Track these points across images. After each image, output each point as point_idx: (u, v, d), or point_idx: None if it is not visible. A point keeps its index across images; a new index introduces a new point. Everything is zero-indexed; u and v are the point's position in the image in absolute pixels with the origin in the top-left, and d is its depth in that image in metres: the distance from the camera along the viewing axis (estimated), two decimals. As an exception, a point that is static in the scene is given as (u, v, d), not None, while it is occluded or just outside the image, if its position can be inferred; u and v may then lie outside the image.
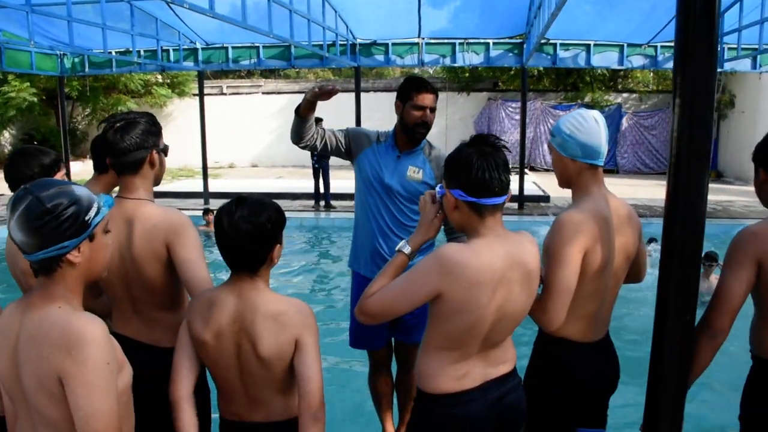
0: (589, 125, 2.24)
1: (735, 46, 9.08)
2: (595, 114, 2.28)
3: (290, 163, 20.08)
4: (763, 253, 2.11)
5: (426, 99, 3.15)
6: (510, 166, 2.01)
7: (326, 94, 3.12)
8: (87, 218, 1.59)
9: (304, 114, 3.19)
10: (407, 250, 2.13)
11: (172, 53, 11.18)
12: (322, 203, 11.54)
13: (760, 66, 10.43)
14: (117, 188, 2.54)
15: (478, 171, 1.94)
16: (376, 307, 2.02)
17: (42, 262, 1.58)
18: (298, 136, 3.26)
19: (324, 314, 6.26)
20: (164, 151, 2.41)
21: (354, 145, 3.33)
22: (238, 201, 2.01)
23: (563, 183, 2.42)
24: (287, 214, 2.15)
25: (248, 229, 1.95)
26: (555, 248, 2.16)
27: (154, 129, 2.34)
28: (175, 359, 2.09)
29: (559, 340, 2.34)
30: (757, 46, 8.47)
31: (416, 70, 23.15)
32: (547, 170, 18.25)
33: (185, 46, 11.09)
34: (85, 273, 1.65)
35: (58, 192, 1.57)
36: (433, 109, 3.19)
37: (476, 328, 1.98)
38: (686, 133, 1.35)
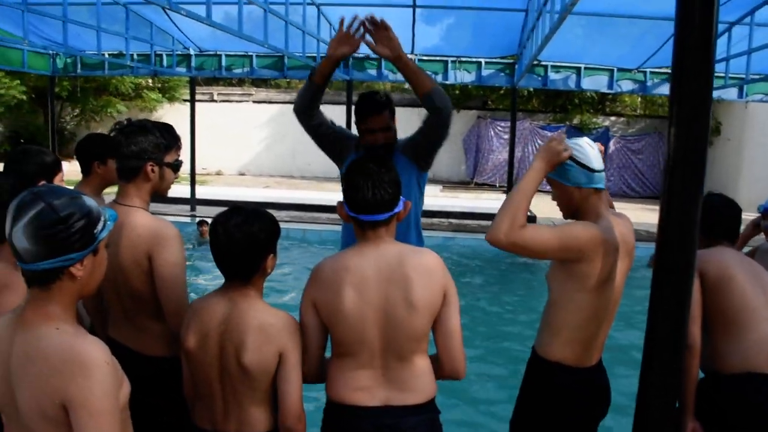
0: (585, 151, 2.27)
1: (723, 74, 9.22)
2: (586, 139, 2.32)
3: (278, 173, 20.04)
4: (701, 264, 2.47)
5: (373, 122, 3.00)
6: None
7: (349, 40, 2.85)
8: (95, 231, 1.55)
9: (319, 80, 2.95)
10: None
11: (165, 58, 11.15)
12: None
13: (746, 95, 10.60)
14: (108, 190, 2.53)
15: (355, 189, 2.05)
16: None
17: (43, 272, 1.51)
18: (308, 103, 3.01)
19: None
20: (171, 165, 2.36)
21: (345, 148, 3.20)
22: (234, 210, 2.05)
23: (569, 214, 2.40)
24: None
25: (241, 238, 1.99)
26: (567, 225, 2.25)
27: (161, 142, 2.30)
28: (183, 366, 2.18)
29: (554, 363, 2.33)
30: (744, 76, 8.61)
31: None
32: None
33: (179, 52, 11.07)
34: (82, 288, 1.59)
35: (70, 201, 1.52)
36: (385, 128, 3.01)
37: (356, 330, 2.03)
38: (680, 163, 1.38)
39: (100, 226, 1.56)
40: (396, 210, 2.10)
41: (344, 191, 2.11)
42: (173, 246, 2.24)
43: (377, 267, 2.03)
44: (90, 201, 1.58)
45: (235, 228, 1.99)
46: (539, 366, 2.38)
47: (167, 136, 2.33)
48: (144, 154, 2.26)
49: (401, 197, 2.13)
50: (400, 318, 2.02)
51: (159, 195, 2.38)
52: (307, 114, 3.07)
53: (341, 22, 2.92)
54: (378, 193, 2.04)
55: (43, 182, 2.66)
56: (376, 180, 2.05)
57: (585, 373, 2.34)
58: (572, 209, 2.34)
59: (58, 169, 2.76)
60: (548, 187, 2.39)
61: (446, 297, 2.09)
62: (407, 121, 2.98)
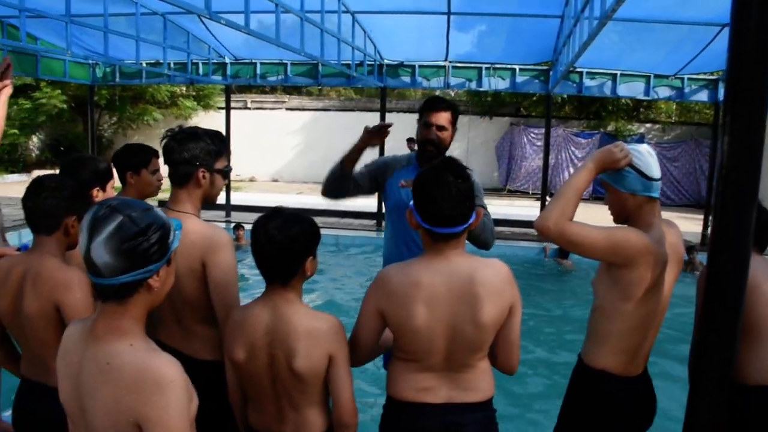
0: (645, 158, 2.24)
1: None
2: (647, 147, 2.29)
3: (310, 179, 20.17)
4: None
5: (433, 117, 3.07)
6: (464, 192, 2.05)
7: (379, 134, 3.03)
8: (169, 241, 1.55)
9: (348, 168, 3.10)
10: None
11: (201, 66, 11.33)
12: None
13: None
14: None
15: (431, 202, 2.01)
16: (351, 352, 2.14)
17: (122, 286, 1.50)
18: (338, 191, 3.17)
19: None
20: (222, 172, 2.39)
21: (379, 176, 3.27)
22: (274, 212, 2.08)
23: (620, 221, 2.36)
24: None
25: (281, 240, 2.01)
26: (617, 228, 2.22)
27: (212, 148, 2.33)
28: (227, 373, 2.20)
29: (600, 372, 2.31)
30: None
31: (437, 92, 23.25)
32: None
33: (214, 60, 11.24)
34: (154, 299, 1.59)
35: (144, 212, 1.51)
36: (441, 128, 3.08)
37: (424, 343, 2.03)
38: (735, 171, 1.35)
39: (172, 236, 1.57)
40: (470, 221, 2.07)
41: (417, 201, 2.06)
42: (226, 252, 2.27)
43: (449, 284, 2.02)
44: (160, 211, 1.58)
45: (276, 230, 2.01)
46: (585, 374, 2.37)
47: (217, 142, 2.36)
48: (195, 161, 2.29)
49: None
50: (466, 334, 2.04)
51: (208, 201, 2.41)
52: (342, 197, 3.27)
53: (366, 129, 3.16)
54: (456, 207, 2.00)
55: (97, 188, 2.71)
56: (454, 192, 2.00)
57: (631, 382, 2.32)
58: (624, 215, 2.31)
59: (110, 176, 2.81)
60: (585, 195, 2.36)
61: (512, 309, 2.10)
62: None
